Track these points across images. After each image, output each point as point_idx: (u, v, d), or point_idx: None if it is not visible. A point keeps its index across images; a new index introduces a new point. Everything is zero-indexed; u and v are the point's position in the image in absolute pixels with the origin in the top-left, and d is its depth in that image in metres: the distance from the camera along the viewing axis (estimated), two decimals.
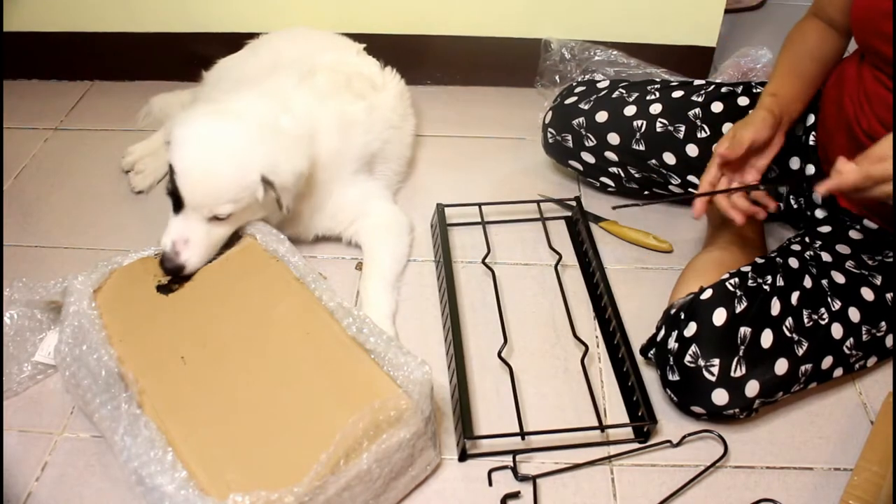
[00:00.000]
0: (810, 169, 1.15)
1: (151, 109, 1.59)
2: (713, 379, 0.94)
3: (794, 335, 0.96)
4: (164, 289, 1.04)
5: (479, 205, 1.30)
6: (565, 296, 1.16)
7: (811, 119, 1.15)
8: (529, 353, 1.12)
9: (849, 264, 1.03)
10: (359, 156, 1.26)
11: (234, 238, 1.13)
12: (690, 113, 1.23)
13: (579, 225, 1.32)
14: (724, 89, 1.25)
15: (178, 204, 1.08)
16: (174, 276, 1.05)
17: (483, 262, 1.22)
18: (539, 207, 1.33)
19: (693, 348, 0.95)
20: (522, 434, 0.98)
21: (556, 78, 1.63)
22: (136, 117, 1.59)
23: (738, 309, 0.96)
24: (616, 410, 1.04)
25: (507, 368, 1.05)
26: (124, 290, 1.04)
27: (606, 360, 1.11)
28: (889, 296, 1.01)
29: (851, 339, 0.99)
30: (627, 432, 1.01)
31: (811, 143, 1.15)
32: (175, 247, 1.06)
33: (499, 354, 1.07)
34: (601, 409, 1.03)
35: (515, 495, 0.93)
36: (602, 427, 0.98)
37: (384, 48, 1.46)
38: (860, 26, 0.99)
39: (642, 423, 0.99)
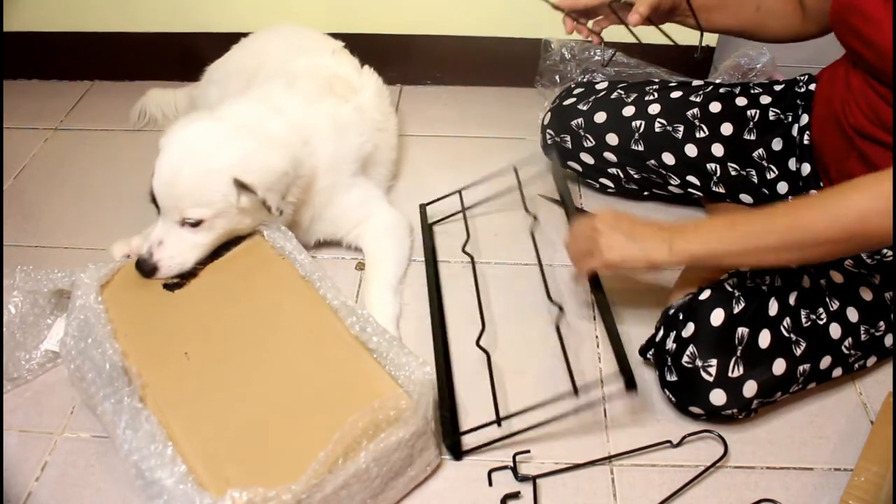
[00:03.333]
0: (806, 168, 1.15)
1: (147, 106, 1.58)
2: (711, 379, 0.94)
3: (791, 335, 0.96)
4: (170, 285, 1.05)
5: (460, 191, 1.30)
6: (547, 285, 1.16)
7: (805, 119, 1.15)
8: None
9: (847, 264, 1.03)
10: (355, 158, 1.24)
11: (240, 237, 1.12)
12: (689, 113, 1.23)
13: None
14: (722, 89, 1.25)
15: (157, 208, 1.07)
16: (149, 277, 1.04)
17: (463, 249, 1.22)
18: (516, 173, 1.31)
19: (691, 349, 0.95)
20: (499, 420, 0.95)
21: (556, 78, 1.63)
22: (130, 116, 1.58)
23: (737, 309, 0.96)
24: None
25: (485, 358, 1.04)
26: (131, 285, 1.04)
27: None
28: (888, 295, 1.01)
29: (850, 339, 0.99)
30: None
31: (805, 142, 1.15)
32: (150, 248, 1.05)
33: (477, 343, 1.06)
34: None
35: (515, 495, 0.93)
36: (576, 391, 0.94)
37: (384, 48, 1.46)
38: (836, 21, 1.00)
39: (630, 387, 0.92)
